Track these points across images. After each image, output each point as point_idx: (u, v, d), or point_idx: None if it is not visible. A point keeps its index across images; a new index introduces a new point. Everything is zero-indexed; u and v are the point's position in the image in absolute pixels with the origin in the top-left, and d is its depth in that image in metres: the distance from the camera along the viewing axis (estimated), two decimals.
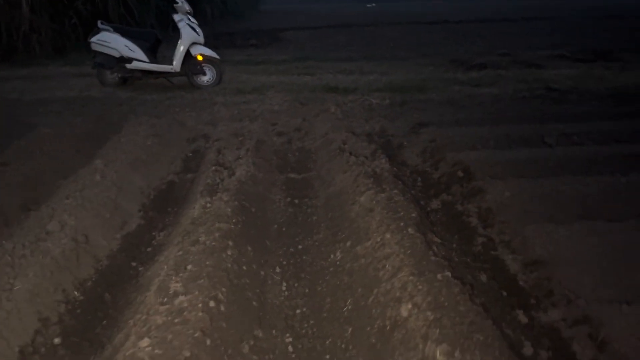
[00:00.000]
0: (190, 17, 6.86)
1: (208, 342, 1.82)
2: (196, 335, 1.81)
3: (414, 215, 2.79)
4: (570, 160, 3.68)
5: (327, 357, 2.05)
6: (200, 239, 2.54)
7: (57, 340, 2.11)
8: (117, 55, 6.69)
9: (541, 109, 5.52)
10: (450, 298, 1.90)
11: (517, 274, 2.44)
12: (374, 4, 29.45)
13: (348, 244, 2.70)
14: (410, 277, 2.04)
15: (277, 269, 2.69)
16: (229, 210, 2.90)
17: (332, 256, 2.71)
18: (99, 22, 6.79)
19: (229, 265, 2.40)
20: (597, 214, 2.79)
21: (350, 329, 2.11)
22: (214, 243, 2.50)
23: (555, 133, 4.32)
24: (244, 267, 2.49)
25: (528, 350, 1.96)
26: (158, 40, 7.13)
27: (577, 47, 9.92)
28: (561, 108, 5.56)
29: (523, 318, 2.16)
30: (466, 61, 8.85)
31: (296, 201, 3.51)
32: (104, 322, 2.29)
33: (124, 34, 6.78)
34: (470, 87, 6.76)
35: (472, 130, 4.51)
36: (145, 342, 1.74)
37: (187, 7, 6.82)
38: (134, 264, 2.78)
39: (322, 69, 8.45)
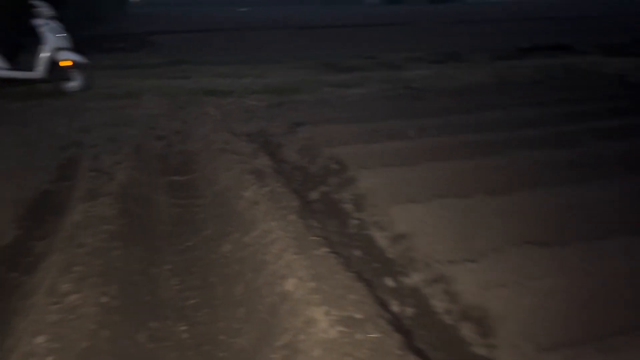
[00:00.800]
0: (53, 21, 6.51)
1: (104, 333, 1.90)
2: (92, 327, 1.88)
3: (295, 204, 3.04)
4: (428, 149, 4.18)
5: (222, 337, 2.21)
6: (86, 241, 2.56)
7: None
8: None
9: (403, 106, 6.10)
10: (328, 269, 2.17)
11: (386, 247, 2.79)
12: (245, 9, 29.65)
13: (237, 235, 2.87)
14: (294, 256, 2.27)
15: (168, 266, 2.78)
16: (114, 212, 2.93)
17: (221, 249, 2.85)
18: None
19: (119, 264, 2.45)
20: (449, 192, 3.24)
21: (243, 310, 2.29)
22: (101, 244, 2.54)
23: (415, 127, 4.86)
24: (134, 266, 2.56)
25: (396, 307, 2.29)
26: (18, 45, 6.66)
27: (431, 50, 10.97)
28: (420, 105, 6.19)
29: (391, 283, 2.50)
30: (336, 64, 9.41)
31: (182, 202, 3.60)
32: None
33: None
34: (341, 88, 7.21)
35: (344, 127, 4.90)
36: (40, 338, 1.77)
37: (50, 11, 6.45)
38: (14, 274, 2.69)
39: (198, 73, 8.47)
